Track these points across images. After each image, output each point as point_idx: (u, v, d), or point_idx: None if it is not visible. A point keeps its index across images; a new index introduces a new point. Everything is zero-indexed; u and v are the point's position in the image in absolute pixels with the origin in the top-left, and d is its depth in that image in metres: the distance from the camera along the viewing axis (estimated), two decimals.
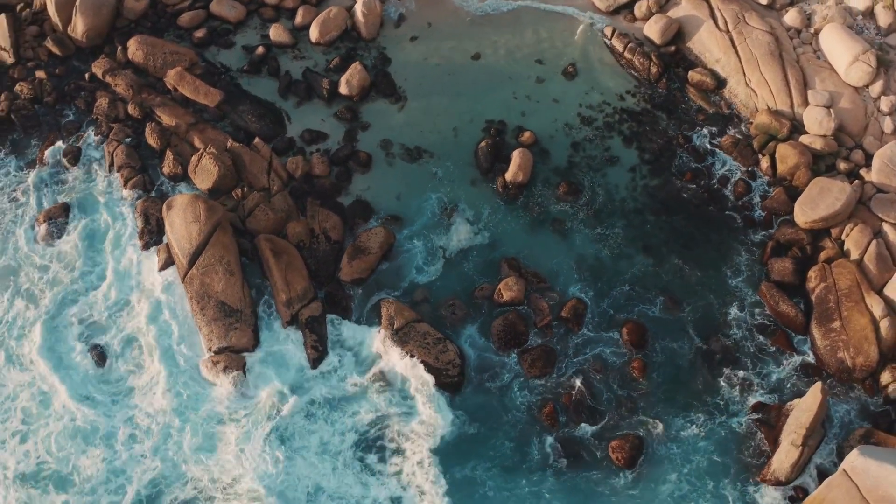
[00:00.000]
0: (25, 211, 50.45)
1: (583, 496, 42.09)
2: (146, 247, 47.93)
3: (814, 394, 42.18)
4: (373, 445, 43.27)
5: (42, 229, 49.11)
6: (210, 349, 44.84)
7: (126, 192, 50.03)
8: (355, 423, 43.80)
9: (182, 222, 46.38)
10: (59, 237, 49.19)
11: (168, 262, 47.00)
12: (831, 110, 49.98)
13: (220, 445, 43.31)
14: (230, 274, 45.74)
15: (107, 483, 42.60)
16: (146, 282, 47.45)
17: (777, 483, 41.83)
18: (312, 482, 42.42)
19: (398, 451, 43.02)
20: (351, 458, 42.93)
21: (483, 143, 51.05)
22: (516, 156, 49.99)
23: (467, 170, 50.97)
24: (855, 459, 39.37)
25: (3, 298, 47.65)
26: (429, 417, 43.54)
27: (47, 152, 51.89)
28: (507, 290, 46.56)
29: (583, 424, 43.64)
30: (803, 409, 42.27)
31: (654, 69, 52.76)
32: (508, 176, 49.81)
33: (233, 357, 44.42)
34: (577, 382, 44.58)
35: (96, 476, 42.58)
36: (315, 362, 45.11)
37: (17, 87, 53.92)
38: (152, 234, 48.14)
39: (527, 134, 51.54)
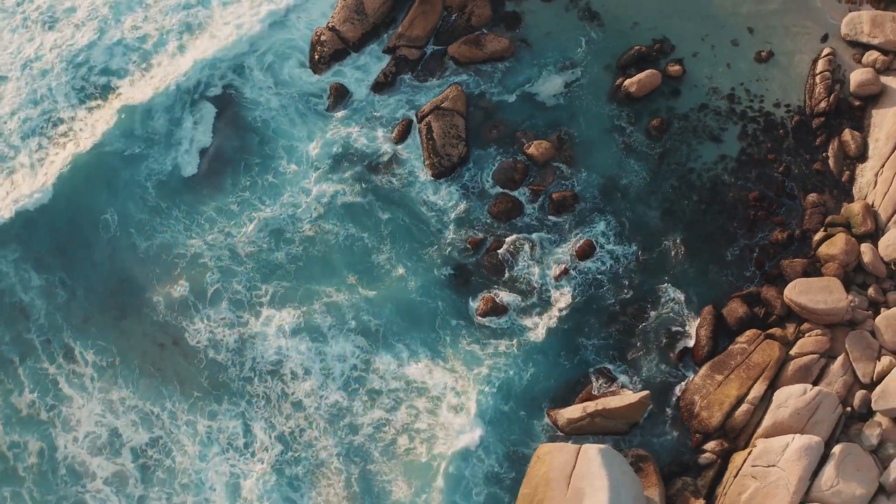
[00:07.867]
0: None
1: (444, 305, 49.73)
2: None
3: (636, 396, 45.92)
4: (375, 160, 53.37)
5: None
6: (329, 24, 55.44)
7: None
8: (372, 138, 53.63)
9: None
10: None
11: None
12: None
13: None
14: None
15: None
16: None
17: (554, 424, 46.65)
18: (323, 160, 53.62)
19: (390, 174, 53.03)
20: (358, 164, 53.28)
21: (637, 48, 54.68)
22: (646, 74, 53.48)
23: (609, 57, 55.14)
24: (592, 449, 43.12)
25: None
26: (408, 174, 52.77)
27: None
28: (537, 147, 52.33)
29: (487, 273, 50.28)
30: (619, 399, 46.05)
31: (823, 104, 51.96)
32: (627, 82, 53.60)
33: (335, 39, 55.09)
34: (513, 242, 50.60)
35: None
36: (377, 87, 54.57)
37: None
38: None
39: (677, 67, 54.06)
